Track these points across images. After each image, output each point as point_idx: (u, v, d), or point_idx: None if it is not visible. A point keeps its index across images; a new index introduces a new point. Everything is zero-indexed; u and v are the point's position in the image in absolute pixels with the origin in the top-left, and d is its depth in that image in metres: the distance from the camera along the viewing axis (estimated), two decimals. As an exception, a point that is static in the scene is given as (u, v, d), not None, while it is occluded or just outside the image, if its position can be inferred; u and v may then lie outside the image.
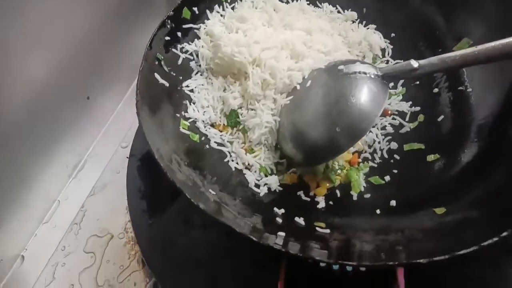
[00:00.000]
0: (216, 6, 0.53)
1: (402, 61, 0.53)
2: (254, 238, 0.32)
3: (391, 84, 0.52)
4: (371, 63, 0.45)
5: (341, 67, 0.43)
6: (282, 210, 0.41)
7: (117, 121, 0.71)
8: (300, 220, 0.39)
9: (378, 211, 0.42)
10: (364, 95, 0.40)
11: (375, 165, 0.48)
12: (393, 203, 0.42)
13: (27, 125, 0.56)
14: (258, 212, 0.39)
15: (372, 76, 0.42)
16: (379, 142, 0.49)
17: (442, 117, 0.49)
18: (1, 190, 0.54)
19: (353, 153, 0.49)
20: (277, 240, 0.34)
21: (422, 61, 0.41)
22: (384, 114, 0.52)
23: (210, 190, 0.38)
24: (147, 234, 0.41)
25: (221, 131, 0.49)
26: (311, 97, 0.44)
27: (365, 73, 0.42)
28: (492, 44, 0.39)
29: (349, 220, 0.41)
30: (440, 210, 0.39)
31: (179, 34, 0.49)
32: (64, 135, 0.63)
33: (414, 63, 0.41)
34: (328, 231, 0.38)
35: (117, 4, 0.65)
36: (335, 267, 0.39)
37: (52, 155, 0.63)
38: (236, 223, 0.34)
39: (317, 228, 0.39)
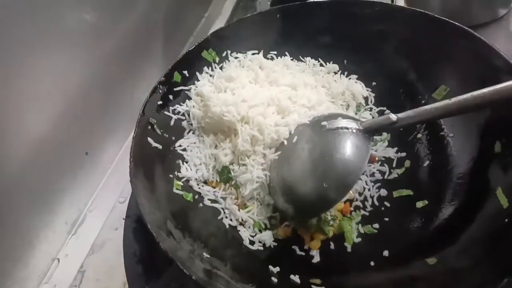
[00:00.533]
0: (205, 67, 0.56)
1: (385, 108, 0.57)
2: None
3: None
4: (353, 117, 0.47)
5: (324, 123, 0.45)
6: (277, 268, 0.42)
7: (115, 174, 0.72)
8: (296, 278, 0.40)
9: (372, 263, 0.42)
10: (347, 150, 0.42)
11: (367, 213, 0.49)
12: (386, 253, 0.43)
13: (26, 181, 0.57)
14: (252, 273, 0.40)
15: (354, 131, 0.44)
16: (369, 190, 0.51)
17: (427, 162, 0.51)
18: (1, 249, 0.55)
19: (344, 202, 0.50)
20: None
21: (400, 115, 0.43)
22: (372, 160, 0.53)
23: (204, 254, 0.39)
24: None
25: (214, 188, 0.50)
26: (298, 153, 0.45)
27: (347, 128, 0.44)
28: (464, 96, 0.41)
29: (344, 276, 0.41)
30: (431, 261, 0.39)
31: (170, 97, 0.52)
32: (63, 190, 0.64)
33: (393, 117, 0.43)
34: (322, 288, 0.39)
35: (116, 57, 0.67)
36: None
37: (52, 211, 0.63)
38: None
39: (312, 286, 0.39)
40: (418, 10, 0.54)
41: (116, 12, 0.70)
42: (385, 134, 0.55)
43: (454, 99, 0.41)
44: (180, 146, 0.51)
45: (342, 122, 0.45)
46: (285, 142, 0.48)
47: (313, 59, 0.61)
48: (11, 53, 0.50)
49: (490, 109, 0.45)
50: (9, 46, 0.49)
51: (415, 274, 0.39)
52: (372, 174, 0.52)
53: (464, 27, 0.51)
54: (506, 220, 0.37)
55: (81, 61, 0.62)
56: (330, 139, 0.44)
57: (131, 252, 0.45)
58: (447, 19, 0.52)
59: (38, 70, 0.54)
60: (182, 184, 0.48)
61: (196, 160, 0.50)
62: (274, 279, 0.40)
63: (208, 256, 0.40)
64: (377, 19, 0.57)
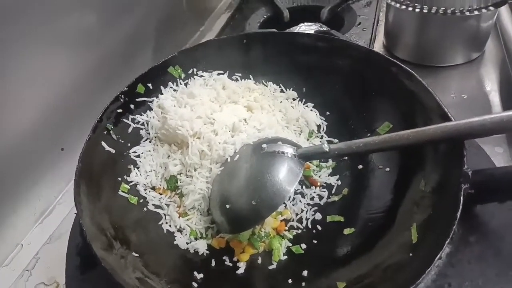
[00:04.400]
0: (170, 82, 0.60)
1: (333, 138, 0.61)
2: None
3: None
4: (292, 143, 0.50)
5: (264, 145, 0.49)
6: (201, 275, 0.45)
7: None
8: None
9: (290, 281, 0.46)
10: (279, 173, 0.46)
11: (299, 234, 0.52)
12: (305, 273, 0.46)
13: (1, 169, 0.61)
14: (177, 277, 0.43)
15: (289, 155, 0.48)
16: (306, 212, 0.54)
17: (363, 192, 0.54)
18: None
19: (281, 221, 0.53)
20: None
21: (332, 146, 0.47)
22: (314, 185, 0.57)
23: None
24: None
25: (160, 194, 0.54)
26: (236, 170, 0.49)
27: (283, 152, 0.48)
28: (391, 135, 0.45)
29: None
30: (341, 284, 0.43)
31: (132, 106, 0.56)
32: (37, 182, 0.68)
33: (326, 148, 0.47)
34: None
35: (105, 62, 0.72)
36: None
37: (23, 200, 0.67)
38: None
39: None
40: (372, 49, 0.59)
41: (112, 17, 0.75)
42: (330, 162, 0.59)
43: (380, 137, 0.45)
44: (134, 152, 0.54)
45: (280, 147, 0.48)
46: (229, 159, 0.52)
47: (274, 84, 0.65)
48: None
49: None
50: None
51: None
52: (312, 198, 0.56)
53: (408, 69, 0.54)
54: (411, 254, 0.40)
55: (69, 62, 0.67)
56: (265, 161, 0.47)
57: (74, 245, 0.48)
58: (394, 60, 0.56)
59: (25, 67, 0.59)
60: (129, 187, 0.51)
61: (147, 167, 0.54)
62: (195, 284, 0.43)
63: (137, 255, 0.43)
64: (335, 54, 0.61)
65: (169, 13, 0.99)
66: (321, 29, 0.94)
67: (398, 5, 0.83)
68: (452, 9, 0.79)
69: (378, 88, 0.57)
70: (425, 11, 0.80)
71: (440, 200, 0.41)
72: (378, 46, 1.02)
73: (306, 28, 0.95)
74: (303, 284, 0.45)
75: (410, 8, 0.83)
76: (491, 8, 0.79)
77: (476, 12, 0.79)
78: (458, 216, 0.36)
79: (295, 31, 0.88)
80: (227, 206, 0.47)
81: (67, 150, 0.73)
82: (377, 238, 0.46)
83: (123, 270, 0.40)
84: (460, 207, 0.37)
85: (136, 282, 0.39)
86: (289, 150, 0.48)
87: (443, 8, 0.79)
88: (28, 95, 0.62)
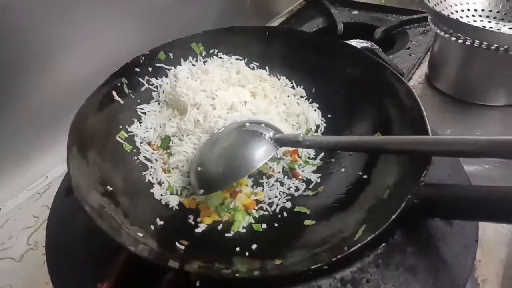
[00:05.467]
0: (190, 57, 0.66)
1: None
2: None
3: (313, 154, 0.61)
4: (275, 128, 0.54)
5: (247, 124, 0.53)
6: (162, 222, 0.50)
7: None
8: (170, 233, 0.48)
9: (237, 249, 0.49)
10: (250, 149, 0.50)
11: (265, 215, 0.55)
12: (253, 246, 0.49)
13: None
14: (144, 219, 0.49)
15: (266, 138, 0.51)
16: (279, 199, 0.57)
17: (338, 194, 0.55)
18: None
19: (253, 200, 0.57)
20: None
21: (306, 137, 0.50)
22: (296, 177, 0.59)
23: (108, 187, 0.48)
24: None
25: (153, 150, 0.59)
26: (217, 141, 0.54)
27: (261, 133, 0.51)
28: (361, 137, 0.47)
29: (208, 248, 0.48)
30: (278, 261, 0.45)
31: (149, 69, 0.62)
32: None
33: (300, 137, 0.50)
34: (183, 247, 0.46)
35: (161, 35, 0.77)
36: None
37: (59, 137, 0.77)
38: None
39: (177, 244, 0.47)
40: (380, 61, 0.60)
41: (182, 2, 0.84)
42: (318, 160, 0.61)
43: (351, 138, 0.47)
44: (141, 109, 0.61)
45: (260, 128, 0.52)
46: (216, 131, 0.56)
47: (287, 79, 0.68)
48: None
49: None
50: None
51: (266, 268, 0.44)
52: (289, 188, 0.58)
53: (408, 84, 0.55)
54: (346, 248, 0.41)
55: (137, 31, 0.78)
56: (243, 137, 0.51)
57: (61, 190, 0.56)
58: (398, 74, 0.57)
59: (100, 28, 0.72)
60: (127, 136, 0.58)
61: (148, 124, 0.60)
62: (152, 227, 0.48)
63: (111, 189, 0.49)
64: (346, 60, 0.63)
65: (233, 9, 1.07)
66: (369, 46, 0.96)
67: (446, 35, 0.82)
68: (496, 45, 0.77)
69: (379, 99, 0.59)
70: (470, 43, 0.78)
71: (388, 206, 0.42)
72: (420, 74, 1.01)
73: (356, 44, 0.97)
74: (247, 254, 0.47)
75: (454, 39, 0.82)
76: (537, 51, 0.75)
77: (520, 52, 0.76)
78: (393, 218, 0.37)
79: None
80: (199, 168, 0.51)
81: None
82: (327, 228, 0.47)
83: (89, 192, 0.46)
84: (398, 211, 0.37)
85: (103, 205, 0.45)
86: (267, 132, 0.51)
87: (488, 44, 0.77)
88: (83, 54, 0.73)
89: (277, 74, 0.68)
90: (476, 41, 0.78)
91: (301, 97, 0.67)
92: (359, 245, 0.38)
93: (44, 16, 0.65)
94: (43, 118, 0.74)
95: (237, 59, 0.68)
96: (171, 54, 0.64)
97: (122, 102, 0.59)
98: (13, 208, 0.72)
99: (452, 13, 0.86)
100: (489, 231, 0.57)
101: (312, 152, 0.61)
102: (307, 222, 0.52)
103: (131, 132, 0.59)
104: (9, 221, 0.69)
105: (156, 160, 0.58)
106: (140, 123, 0.60)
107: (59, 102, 0.75)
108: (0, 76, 0.63)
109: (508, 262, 0.55)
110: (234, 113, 0.58)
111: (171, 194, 0.56)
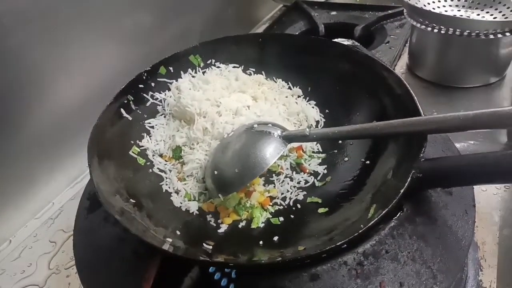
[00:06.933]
0: (190, 69, 0.69)
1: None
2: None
3: (316, 148, 0.64)
4: (282, 127, 0.57)
5: (255, 125, 0.56)
6: (185, 227, 0.53)
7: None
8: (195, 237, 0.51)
9: (261, 243, 0.52)
10: (262, 148, 0.53)
11: (280, 209, 0.58)
12: (275, 238, 0.52)
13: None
14: (166, 224, 0.51)
15: (275, 136, 0.54)
16: (291, 193, 0.60)
17: (344, 181, 0.59)
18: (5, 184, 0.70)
19: (267, 197, 0.60)
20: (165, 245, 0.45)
21: (312, 131, 0.53)
22: (304, 171, 0.63)
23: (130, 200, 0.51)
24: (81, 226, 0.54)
25: (166, 161, 0.62)
26: (228, 145, 0.57)
27: (269, 132, 0.55)
28: (362, 125, 0.51)
29: (234, 245, 0.51)
30: (300, 248, 0.48)
31: (152, 84, 0.65)
32: (74, 152, 0.80)
33: (307, 132, 0.53)
34: (210, 247, 0.49)
35: (142, 56, 0.83)
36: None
37: (60, 165, 0.80)
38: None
39: (204, 245, 0.50)
40: (368, 55, 0.64)
41: (162, 20, 0.90)
42: (321, 154, 0.65)
43: (353, 126, 0.51)
44: (149, 123, 0.64)
45: (268, 127, 0.55)
46: (225, 136, 0.59)
47: (283, 81, 0.72)
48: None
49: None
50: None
51: (287, 256, 0.47)
52: (299, 182, 0.61)
53: (397, 74, 0.59)
54: (362, 225, 0.45)
55: (118, 54, 0.82)
56: (253, 138, 0.55)
57: (87, 191, 0.58)
58: (386, 65, 0.62)
59: (83, 53, 0.74)
60: (139, 150, 0.60)
61: (158, 137, 0.63)
62: (178, 232, 0.51)
63: (134, 201, 0.52)
64: (337, 57, 0.67)
65: (216, 21, 1.11)
66: (351, 44, 1.00)
67: (422, 26, 0.88)
68: (468, 31, 0.83)
69: (371, 90, 0.63)
70: (445, 32, 0.84)
71: (394, 183, 0.46)
72: (401, 65, 1.06)
73: (338, 43, 1.01)
74: (271, 245, 0.50)
75: (430, 29, 0.88)
76: (508, 34, 0.81)
77: (491, 36, 0.81)
78: (402, 192, 0.41)
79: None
80: (215, 172, 0.54)
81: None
82: (340, 213, 0.51)
83: (113, 198, 0.48)
84: (406, 185, 0.41)
85: (128, 210, 0.47)
86: (275, 131, 0.55)
87: (461, 31, 0.83)
88: (78, 76, 0.76)
89: (274, 77, 0.72)
90: (450, 29, 0.84)
91: (299, 96, 0.71)
92: (375, 220, 0.42)
93: (39, 41, 0.68)
94: (44, 144, 0.76)
95: (234, 67, 0.71)
96: (171, 68, 0.67)
97: (130, 118, 0.61)
98: (27, 237, 0.73)
99: (425, 5, 0.92)
100: (481, 199, 0.63)
101: (315, 146, 0.65)
102: (320, 210, 0.56)
103: (142, 146, 0.61)
104: (25, 250, 0.70)
105: (170, 171, 0.61)
106: (149, 137, 0.63)
107: (59, 127, 0.77)
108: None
109: (502, 223, 0.60)
110: (240, 117, 0.61)
111: (189, 200, 0.58)
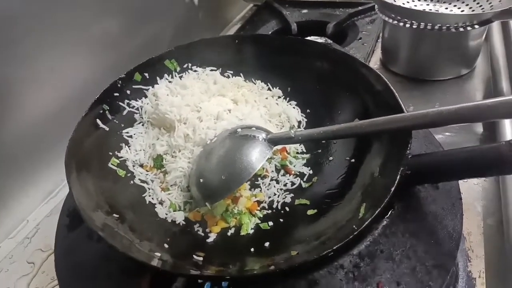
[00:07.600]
0: (166, 74, 0.67)
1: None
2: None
3: (300, 149, 0.64)
4: (266, 130, 0.56)
5: (239, 130, 0.55)
6: (173, 239, 0.51)
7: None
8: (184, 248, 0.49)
9: (252, 249, 0.51)
10: (248, 153, 0.52)
11: (269, 213, 0.57)
12: (266, 244, 0.51)
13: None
14: (150, 236, 0.49)
15: (260, 139, 0.53)
16: (278, 196, 0.59)
17: (331, 181, 0.59)
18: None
19: (254, 201, 0.59)
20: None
21: (297, 132, 0.53)
22: (289, 173, 0.62)
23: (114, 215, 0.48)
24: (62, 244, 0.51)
25: (147, 171, 0.60)
26: (212, 151, 0.55)
27: (254, 136, 0.54)
28: (347, 124, 0.50)
29: (225, 254, 0.50)
30: (293, 252, 0.47)
31: (128, 92, 0.63)
32: (48, 165, 0.76)
33: (292, 133, 0.53)
34: (201, 258, 0.47)
35: (112, 63, 0.82)
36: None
37: (33, 180, 0.76)
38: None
39: (194, 256, 0.48)
40: (346, 53, 0.64)
41: (131, 25, 0.86)
42: (305, 155, 0.64)
43: (337, 126, 0.51)
44: (127, 132, 0.61)
45: (252, 131, 0.54)
46: (208, 142, 0.58)
47: (263, 83, 0.71)
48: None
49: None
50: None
51: (278, 262, 0.46)
52: (285, 184, 0.61)
53: (376, 71, 0.60)
54: (355, 227, 0.45)
55: (87, 62, 0.78)
56: (237, 143, 0.53)
57: (66, 208, 0.55)
58: (365, 63, 0.62)
59: (50, 62, 0.71)
60: (119, 162, 0.58)
61: (137, 147, 0.61)
62: (166, 245, 0.49)
63: (117, 216, 0.49)
64: (315, 56, 0.67)
65: (185, 23, 1.09)
66: (324, 42, 1.01)
67: (393, 21, 0.89)
68: (439, 25, 0.85)
69: (351, 88, 0.63)
70: (416, 26, 0.85)
71: (383, 181, 0.46)
72: (375, 60, 1.07)
73: (312, 41, 1.01)
74: (262, 252, 0.49)
75: (402, 24, 0.89)
76: (476, 26, 0.83)
77: (461, 29, 0.83)
78: (393, 190, 0.41)
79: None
80: (201, 180, 0.53)
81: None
82: (330, 214, 0.51)
83: (95, 214, 0.46)
84: (396, 183, 0.41)
85: (111, 225, 0.45)
86: (259, 135, 0.54)
87: (432, 25, 0.84)
88: (48, 87, 0.72)
89: (252, 79, 0.71)
90: (421, 23, 0.86)
91: (279, 97, 0.70)
92: (368, 221, 0.42)
93: (5, 55, 0.64)
94: (15, 158, 0.72)
95: (211, 70, 0.70)
96: (146, 74, 0.65)
97: (107, 128, 0.59)
98: (2, 259, 0.68)
99: (395, 1, 0.93)
100: (464, 191, 0.64)
101: (299, 147, 0.64)
102: (310, 212, 0.55)
103: (121, 157, 0.59)
104: (1, 273, 0.66)
105: (153, 181, 0.59)
106: (128, 147, 0.60)
107: (30, 140, 0.73)
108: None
109: (485, 213, 0.61)
110: (222, 122, 0.60)
111: (175, 210, 0.56)
